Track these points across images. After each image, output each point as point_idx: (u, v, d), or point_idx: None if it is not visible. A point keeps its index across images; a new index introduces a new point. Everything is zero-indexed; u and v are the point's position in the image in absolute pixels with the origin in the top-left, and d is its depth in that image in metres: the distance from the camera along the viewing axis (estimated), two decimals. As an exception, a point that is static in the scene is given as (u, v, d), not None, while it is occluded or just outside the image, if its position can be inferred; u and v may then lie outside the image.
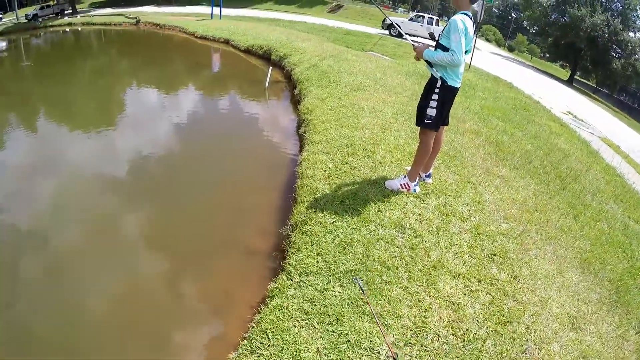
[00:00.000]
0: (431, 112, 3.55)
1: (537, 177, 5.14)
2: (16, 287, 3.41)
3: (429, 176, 4.12)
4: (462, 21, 3.24)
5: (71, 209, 4.52)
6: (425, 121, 3.59)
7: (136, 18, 25.47)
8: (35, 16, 32.11)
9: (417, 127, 3.78)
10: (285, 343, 2.32)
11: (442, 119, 3.64)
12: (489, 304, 2.69)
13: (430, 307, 2.57)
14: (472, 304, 2.65)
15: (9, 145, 6.37)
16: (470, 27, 3.30)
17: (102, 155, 5.94)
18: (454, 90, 3.54)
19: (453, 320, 2.51)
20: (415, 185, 3.87)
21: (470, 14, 3.37)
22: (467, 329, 2.46)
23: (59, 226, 4.25)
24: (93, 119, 7.66)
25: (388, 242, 3.14)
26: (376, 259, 2.95)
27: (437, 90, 3.51)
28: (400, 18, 28.99)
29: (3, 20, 34.37)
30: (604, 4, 34.00)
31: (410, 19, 24.64)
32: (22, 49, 18.27)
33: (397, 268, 2.88)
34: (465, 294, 2.73)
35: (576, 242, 3.80)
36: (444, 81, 3.46)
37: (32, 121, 7.52)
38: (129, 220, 4.40)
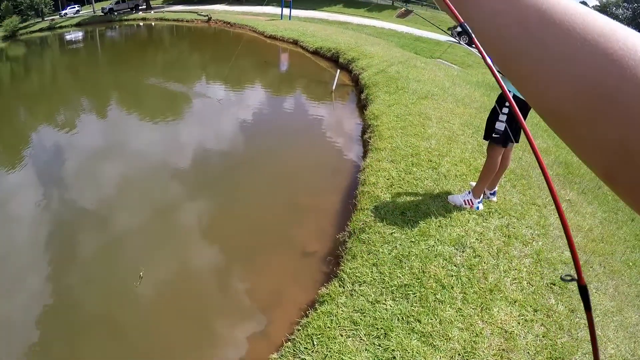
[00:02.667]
0: (500, 126, 3.43)
1: (606, 204, 4.86)
2: (69, 261, 3.70)
3: (493, 194, 4.02)
4: None
5: (132, 193, 4.84)
6: (493, 135, 3.48)
7: (207, 15, 26.68)
8: (111, 10, 34.63)
9: (484, 141, 3.69)
10: (330, 351, 2.38)
11: (511, 134, 3.48)
12: (543, 336, 2.62)
13: (481, 333, 2.55)
14: (525, 334, 2.60)
15: (78, 128, 6.88)
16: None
17: (168, 145, 6.32)
18: (527, 105, 3.40)
19: (503, 349, 2.47)
20: (478, 203, 3.80)
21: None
22: (517, 360, 2.41)
23: (118, 208, 4.58)
24: (161, 109, 8.11)
25: (446, 260, 3.13)
26: (432, 276, 2.95)
27: (507, 104, 3.37)
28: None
29: (81, 12, 37.23)
30: None
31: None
32: (97, 40, 19.43)
33: (452, 288, 2.88)
34: (519, 323, 2.68)
35: (641, 280, 3.59)
36: (516, 94, 3.35)
37: (102, 108, 8.07)
38: (187, 209, 4.65)
